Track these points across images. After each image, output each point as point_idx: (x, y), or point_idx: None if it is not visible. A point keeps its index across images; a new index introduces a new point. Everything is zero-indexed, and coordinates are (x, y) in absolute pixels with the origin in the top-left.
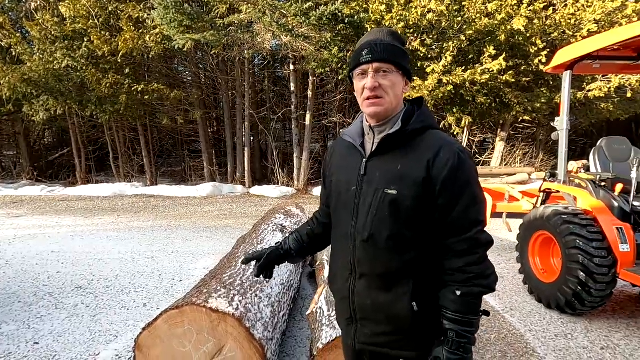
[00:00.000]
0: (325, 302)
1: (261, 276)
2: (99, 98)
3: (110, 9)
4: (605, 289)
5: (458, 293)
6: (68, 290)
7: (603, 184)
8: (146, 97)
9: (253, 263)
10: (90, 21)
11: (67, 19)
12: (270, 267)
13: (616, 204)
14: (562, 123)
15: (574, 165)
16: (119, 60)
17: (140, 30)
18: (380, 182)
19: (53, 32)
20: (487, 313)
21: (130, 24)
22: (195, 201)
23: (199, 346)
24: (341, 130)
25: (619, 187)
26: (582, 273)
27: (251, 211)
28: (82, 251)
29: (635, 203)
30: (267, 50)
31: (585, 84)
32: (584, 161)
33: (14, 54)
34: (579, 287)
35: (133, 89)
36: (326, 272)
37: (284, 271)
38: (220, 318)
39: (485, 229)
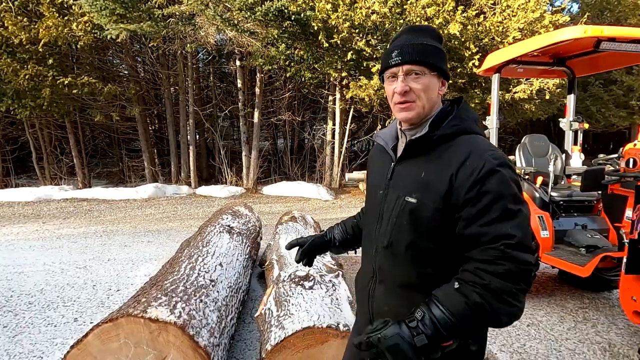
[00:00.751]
0: (274, 303)
1: (301, 263)
2: (16, 91)
3: None
4: None
5: (455, 285)
6: None
7: (527, 177)
8: (75, 91)
9: (296, 249)
10: (4, 4)
11: None
12: (312, 254)
13: (537, 195)
14: (492, 122)
15: None
16: (40, 50)
17: (66, 17)
18: (402, 188)
19: None
20: (474, 345)
21: (53, 10)
22: (136, 204)
23: None
24: (376, 131)
25: (539, 179)
26: None
27: (197, 212)
28: None
29: (553, 194)
30: (212, 45)
31: (511, 86)
32: (512, 157)
33: None
34: None
35: (59, 81)
36: (275, 273)
37: (231, 273)
38: (160, 328)
39: (523, 249)
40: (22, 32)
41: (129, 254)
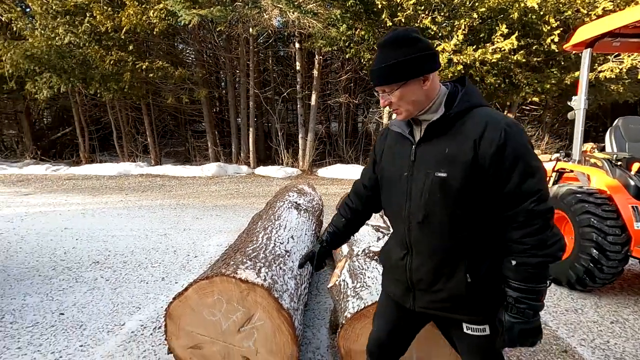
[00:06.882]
0: (348, 275)
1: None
2: (102, 76)
3: None
4: (617, 266)
5: (513, 263)
6: (86, 265)
7: (619, 163)
8: (151, 75)
9: (307, 264)
10: None
11: None
12: (320, 263)
13: (632, 183)
14: (579, 102)
15: (587, 146)
16: (122, 37)
17: (144, 6)
18: (430, 165)
19: (54, 7)
20: (550, 280)
21: None
22: (201, 181)
23: (228, 315)
24: (388, 122)
25: (635, 166)
26: (594, 250)
27: (258, 191)
28: (94, 228)
29: None
30: (273, 28)
31: (596, 64)
32: (592, 143)
33: (14, 29)
34: (591, 264)
35: (137, 66)
36: (345, 248)
37: (302, 246)
38: (249, 288)
39: (544, 199)
40: (108, 21)
41: (201, 225)
